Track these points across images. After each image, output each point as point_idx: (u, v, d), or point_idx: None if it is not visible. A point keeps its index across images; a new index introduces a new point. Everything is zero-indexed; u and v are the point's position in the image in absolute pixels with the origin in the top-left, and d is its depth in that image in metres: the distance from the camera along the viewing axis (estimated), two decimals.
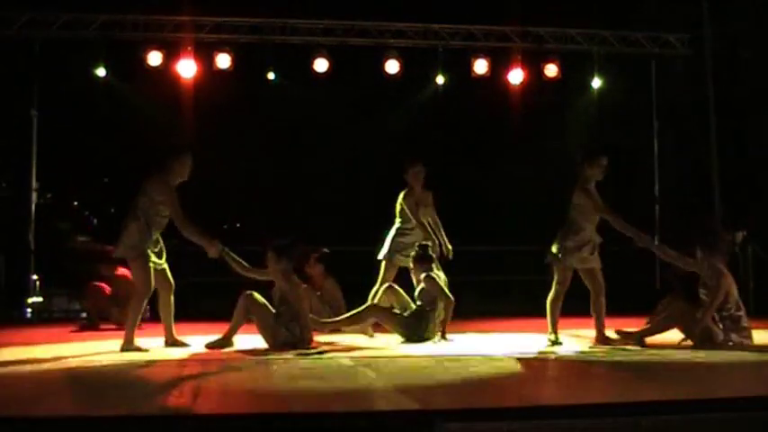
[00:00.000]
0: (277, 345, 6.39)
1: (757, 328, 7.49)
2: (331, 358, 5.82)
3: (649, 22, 14.33)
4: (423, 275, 7.26)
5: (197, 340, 6.81)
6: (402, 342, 6.98)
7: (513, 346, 6.56)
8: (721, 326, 6.36)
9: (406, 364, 5.57)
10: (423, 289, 7.26)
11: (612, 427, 3.48)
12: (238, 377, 4.90)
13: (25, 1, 12.04)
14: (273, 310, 6.54)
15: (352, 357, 5.84)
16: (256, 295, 6.57)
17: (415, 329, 7.07)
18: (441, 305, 7.17)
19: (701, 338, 6.33)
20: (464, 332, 7.97)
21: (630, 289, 10.56)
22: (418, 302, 7.25)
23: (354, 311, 7.30)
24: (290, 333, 6.41)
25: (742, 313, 6.43)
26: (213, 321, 9.01)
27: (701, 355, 5.82)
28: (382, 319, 7.23)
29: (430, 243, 7.57)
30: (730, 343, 6.27)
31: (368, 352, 6.27)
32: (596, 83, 13.31)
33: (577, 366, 5.51)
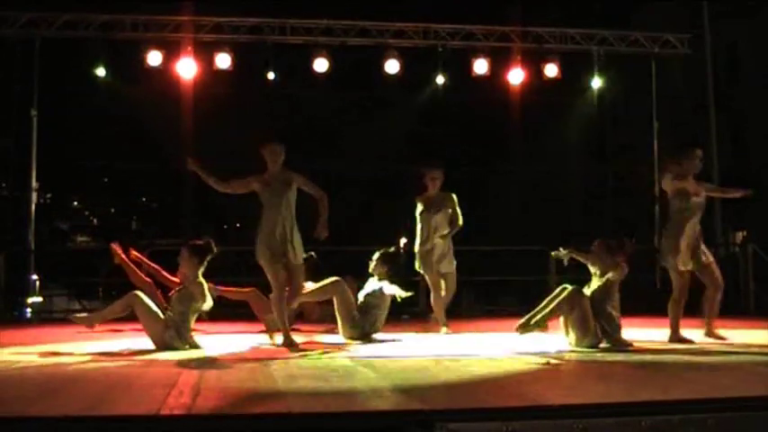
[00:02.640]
0: (162, 347, 6.38)
1: (758, 328, 7.50)
2: (331, 358, 5.82)
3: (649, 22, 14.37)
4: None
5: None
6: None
7: (513, 346, 6.56)
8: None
9: (406, 364, 5.56)
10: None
11: (612, 427, 3.48)
12: (238, 377, 4.89)
13: (25, 1, 12.05)
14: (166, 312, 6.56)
15: (352, 357, 5.84)
16: (143, 296, 6.60)
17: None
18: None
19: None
20: (464, 332, 7.98)
21: (630, 289, 10.54)
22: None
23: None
24: (176, 336, 6.42)
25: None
26: (222, 321, 9.04)
27: (701, 356, 5.83)
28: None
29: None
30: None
31: (368, 352, 6.27)
32: (596, 83, 13.30)
33: (577, 366, 5.51)
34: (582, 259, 6.72)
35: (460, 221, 7.85)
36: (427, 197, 7.95)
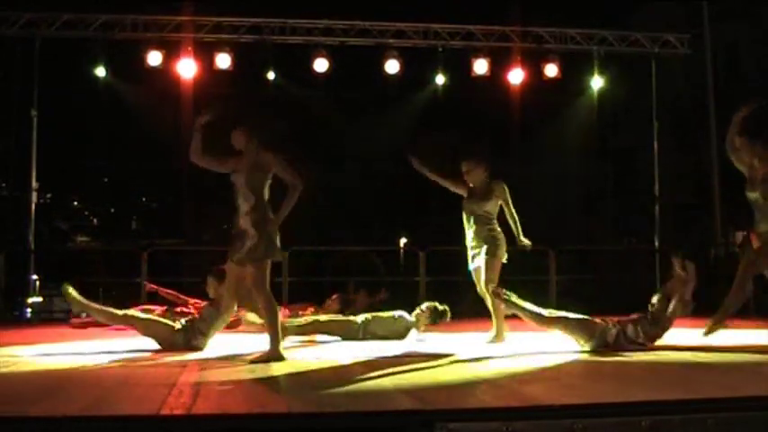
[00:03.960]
0: (167, 347, 6.37)
1: (758, 327, 7.50)
2: (331, 358, 5.82)
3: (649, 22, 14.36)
4: None
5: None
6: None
7: (514, 347, 6.57)
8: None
9: (406, 364, 5.57)
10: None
11: (612, 427, 3.48)
12: (238, 377, 4.89)
13: (25, 1, 12.04)
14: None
15: (352, 357, 5.84)
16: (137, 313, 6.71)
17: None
18: None
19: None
20: (464, 332, 7.98)
21: (630, 289, 10.55)
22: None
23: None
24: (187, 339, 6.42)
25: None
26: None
27: (701, 356, 5.83)
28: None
29: None
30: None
31: (368, 352, 6.26)
32: (596, 83, 13.29)
33: (577, 366, 5.52)
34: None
35: None
36: None
